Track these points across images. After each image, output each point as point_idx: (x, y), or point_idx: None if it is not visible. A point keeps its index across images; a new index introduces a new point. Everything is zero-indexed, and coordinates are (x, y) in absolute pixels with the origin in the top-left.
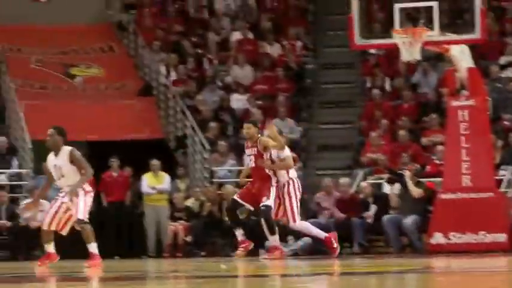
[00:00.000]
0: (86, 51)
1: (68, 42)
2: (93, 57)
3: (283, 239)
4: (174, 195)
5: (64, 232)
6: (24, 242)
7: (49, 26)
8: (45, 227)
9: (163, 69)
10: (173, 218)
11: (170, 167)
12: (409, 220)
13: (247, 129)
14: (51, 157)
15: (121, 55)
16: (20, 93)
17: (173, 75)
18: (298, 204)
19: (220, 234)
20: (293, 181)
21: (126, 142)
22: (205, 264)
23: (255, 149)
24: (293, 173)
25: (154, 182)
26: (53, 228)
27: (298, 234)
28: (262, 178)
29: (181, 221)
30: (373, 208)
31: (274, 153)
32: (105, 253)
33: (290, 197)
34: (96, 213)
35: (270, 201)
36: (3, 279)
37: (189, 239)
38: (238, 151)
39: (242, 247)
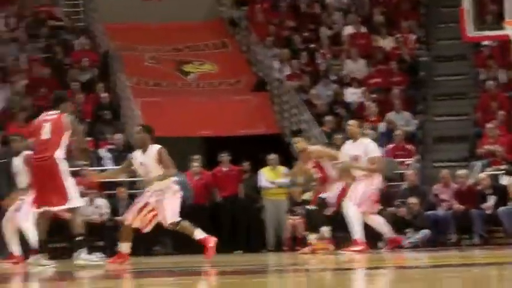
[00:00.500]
0: (199, 47)
1: (181, 40)
2: (206, 53)
3: (401, 232)
4: (292, 190)
5: (146, 230)
6: (145, 238)
7: (162, 24)
8: (127, 223)
9: (276, 64)
10: (291, 212)
11: (287, 161)
12: None
13: (298, 143)
14: (137, 154)
15: (234, 51)
16: (135, 91)
17: (287, 70)
18: None
19: (340, 228)
20: None
21: (241, 137)
22: (324, 258)
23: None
24: None
25: (272, 177)
26: (136, 225)
27: (418, 227)
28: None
29: (300, 216)
30: (492, 199)
31: None
32: (222, 247)
33: None
34: (211, 208)
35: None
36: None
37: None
38: None
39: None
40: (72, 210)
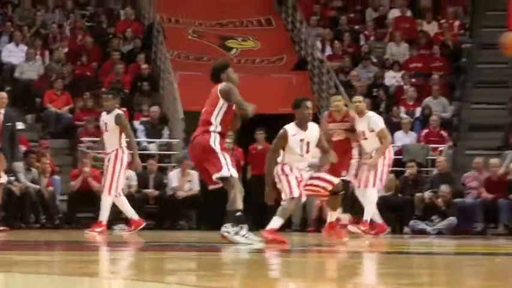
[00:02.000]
0: (243, 23)
1: (226, 15)
2: (250, 30)
3: (428, 218)
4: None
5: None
6: (170, 212)
7: None
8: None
9: (318, 44)
10: None
11: None
12: None
13: (339, 101)
14: (296, 131)
15: (278, 29)
16: (175, 64)
17: (328, 51)
18: None
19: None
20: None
21: (279, 115)
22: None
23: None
24: None
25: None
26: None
27: (445, 214)
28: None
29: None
30: None
31: None
32: (250, 225)
33: None
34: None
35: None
36: (149, 247)
37: None
38: (390, 128)
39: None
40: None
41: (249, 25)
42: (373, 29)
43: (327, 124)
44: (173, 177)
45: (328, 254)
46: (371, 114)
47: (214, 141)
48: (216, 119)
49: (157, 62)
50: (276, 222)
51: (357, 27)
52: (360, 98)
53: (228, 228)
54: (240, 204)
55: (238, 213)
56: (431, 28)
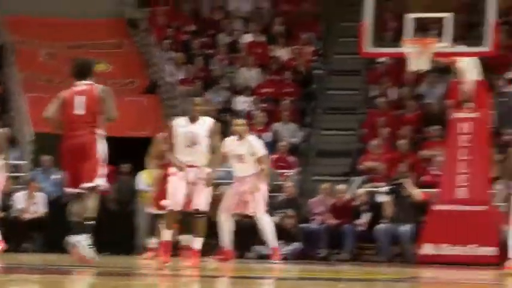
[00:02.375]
0: (96, 46)
1: (79, 37)
2: (103, 52)
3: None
4: None
5: None
6: (15, 234)
7: (60, 19)
8: None
9: (170, 67)
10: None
11: None
12: (405, 229)
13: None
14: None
15: (130, 52)
16: (26, 85)
17: (180, 74)
18: None
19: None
20: None
21: (127, 139)
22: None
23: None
24: None
25: (150, 180)
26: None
27: (289, 239)
28: None
29: None
30: (366, 216)
31: None
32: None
33: None
34: None
35: None
36: None
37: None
38: None
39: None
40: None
41: (101, 48)
42: (226, 54)
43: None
44: (19, 199)
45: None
46: (252, 138)
47: (101, 147)
48: (99, 121)
49: (9, 83)
50: None
51: (209, 51)
52: (241, 121)
53: (79, 238)
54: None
55: (92, 222)
56: (283, 53)
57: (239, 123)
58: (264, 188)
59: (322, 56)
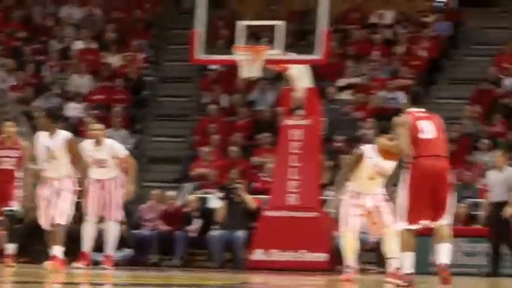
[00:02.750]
0: None
1: None
2: None
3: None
4: None
5: None
6: None
7: None
8: None
9: (1, 74)
10: None
11: None
12: (237, 235)
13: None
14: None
15: None
16: None
17: (11, 81)
18: None
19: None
20: None
21: None
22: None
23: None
24: None
25: None
26: None
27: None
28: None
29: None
30: (197, 222)
31: None
32: None
33: None
34: None
35: None
36: None
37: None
38: None
39: None
40: None
41: None
42: (57, 60)
43: None
44: None
45: None
46: (110, 141)
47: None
48: None
49: None
50: None
51: (41, 57)
52: (98, 125)
53: None
54: None
55: None
56: (115, 60)
57: (96, 127)
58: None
59: (154, 63)
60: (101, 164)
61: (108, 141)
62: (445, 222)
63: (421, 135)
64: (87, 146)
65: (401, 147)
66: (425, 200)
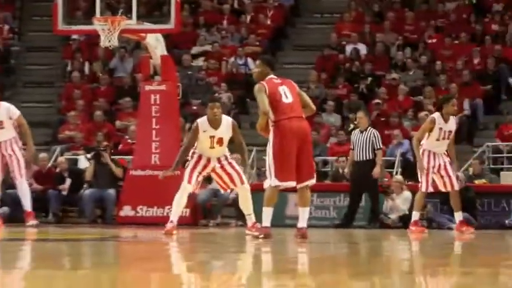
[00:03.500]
0: None
1: None
2: None
3: None
4: None
5: None
6: None
7: None
8: None
9: None
10: None
11: None
12: (107, 193)
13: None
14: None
15: None
16: None
17: None
18: None
19: None
20: None
21: None
22: None
23: None
24: None
25: None
26: None
27: None
28: None
29: None
30: (68, 181)
31: None
32: None
33: None
34: None
35: None
36: None
37: None
38: None
39: None
40: None
41: None
42: None
43: None
44: None
45: None
46: (6, 104)
47: None
48: None
49: None
50: None
51: None
52: None
53: None
54: None
55: None
56: None
57: None
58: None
59: (19, 34)
60: None
61: (4, 104)
62: (310, 183)
63: (281, 100)
64: None
65: (265, 111)
66: (292, 160)
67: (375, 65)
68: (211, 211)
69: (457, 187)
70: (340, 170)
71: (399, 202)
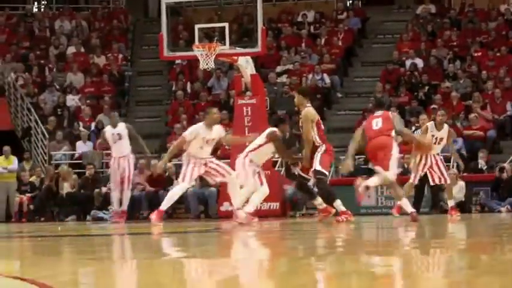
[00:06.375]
0: None
1: None
2: None
3: (105, 208)
4: (21, 174)
5: None
6: None
7: None
8: None
9: (13, 75)
10: (20, 191)
11: (18, 152)
12: (209, 191)
13: None
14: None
15: None
16: None
17: (21, 80)
18: None
19: (56, 204)
20: None
21: None
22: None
23: None
24: None
25: (5, 164)
26: None
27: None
28: None
29: (26, 194)
30: (175, 183)
31: None
32: None
33: None
34: None
35: None
36: None
37: (32, 207)
38: (71, 139)
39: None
40: None
41: None
42: (55, 63)
43: None
44: None
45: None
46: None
47: None
48: None
49: None
50: None
51: (42, 61)
52: None
53: None
54: None
55: None
56: (100, 60)
57: None
58: None
59: (131, 61)
60: None
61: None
62: None
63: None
64: None
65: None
66: None
67: (431, 76)
68: (297, 204)
69: (449, 181)
70: (405, 166)
71: (455, 191)
